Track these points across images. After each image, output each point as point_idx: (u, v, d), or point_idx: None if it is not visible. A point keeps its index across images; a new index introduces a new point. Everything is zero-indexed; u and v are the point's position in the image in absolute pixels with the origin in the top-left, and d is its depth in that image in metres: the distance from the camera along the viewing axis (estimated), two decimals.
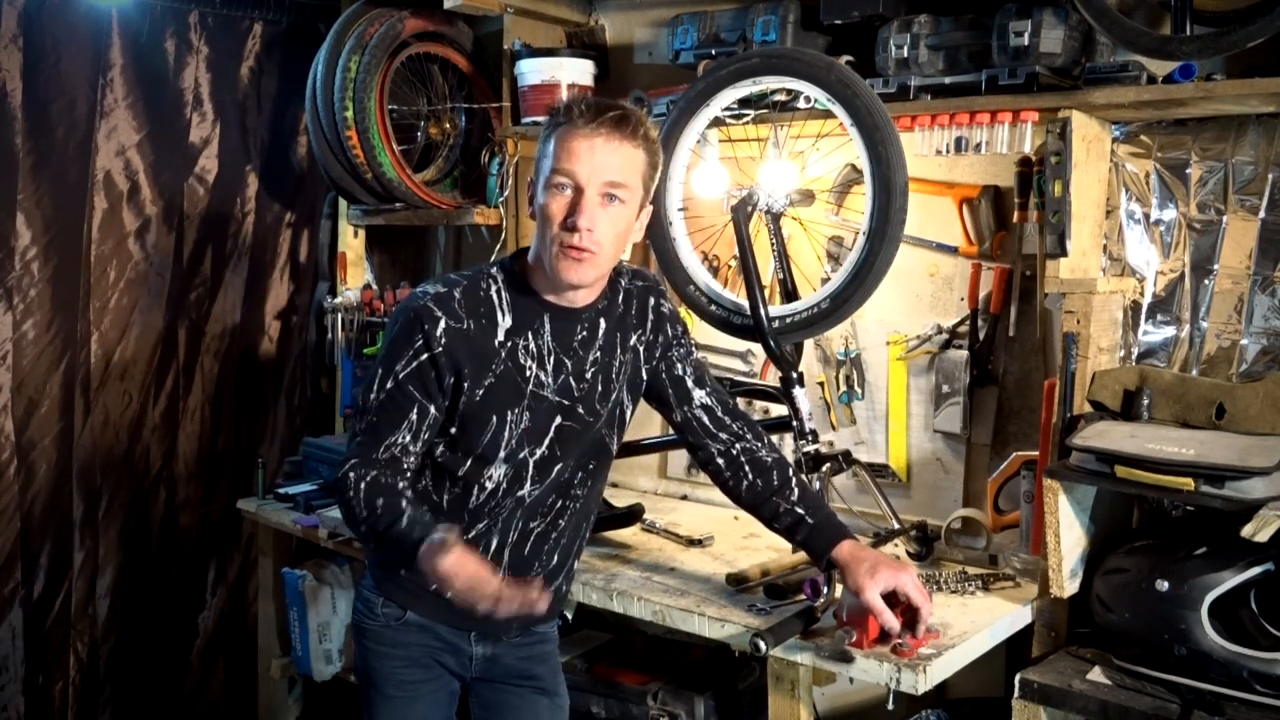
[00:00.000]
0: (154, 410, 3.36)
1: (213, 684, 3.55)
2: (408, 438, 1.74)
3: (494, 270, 1.81)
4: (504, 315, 1.78)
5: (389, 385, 1.73)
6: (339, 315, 3.43)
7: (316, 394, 3.63)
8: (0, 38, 2.93)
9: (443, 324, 1.72)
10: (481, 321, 1.76)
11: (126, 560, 3.33)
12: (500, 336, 1.77)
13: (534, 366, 1.79)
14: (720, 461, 2.00)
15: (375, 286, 3.46)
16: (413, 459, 1.76)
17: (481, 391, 1.75)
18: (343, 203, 3.46)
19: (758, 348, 2.61)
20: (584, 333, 1.84)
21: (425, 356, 1.72)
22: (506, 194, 3.09)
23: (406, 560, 1.65)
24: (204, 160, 3.39)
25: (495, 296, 1.78)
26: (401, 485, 1.73)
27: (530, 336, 1.79)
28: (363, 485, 1.70)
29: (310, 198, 3.61)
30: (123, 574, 3.33)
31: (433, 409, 1.74)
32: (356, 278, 3.55)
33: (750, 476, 1.97)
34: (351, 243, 3.55)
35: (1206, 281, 2.21)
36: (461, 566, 1.60)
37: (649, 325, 1.93)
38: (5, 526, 3.06)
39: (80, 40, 3.09)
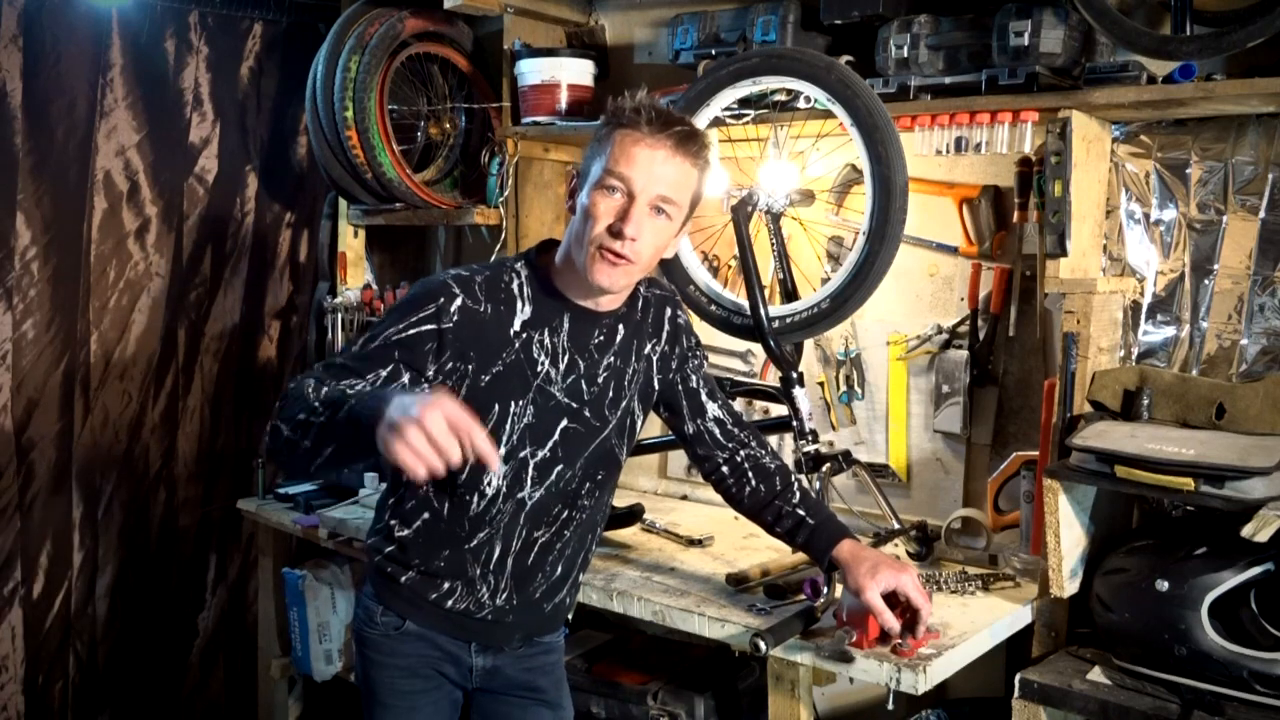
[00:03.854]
0: (153, 410, 3.36)
1: (213, 684, 3.55)
2: (368, 390, 1.60)
3: (518, 265, 1.78)
4: (523, 306, 1.74)
5: (374, 344, 1.67)
6: (339, 315, 3.42)
7: None
8: (0, 38, 2.93)
9: (459, 300, 1.68)
10: (500, 308, 1.72)
11: (126, 560, 3.33)
12: (516, 326, 1.73)
13: (546, 362, 1.76)
14: (725, 469, 2.01)
15: (375, 286, 3.46)
16: None
17: (487, 378, 1.72)
18: (343, 203, 3.46)
19: (758, 348, 2.62)
20: (601, 337, 1.81)
21: (430, 328, 1.67)
22: (506, 194, 3.09)
23: (368, 419, 1.44)
24: (204, 160, 3.39)
25: (517, 289, 1.75)
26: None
27: (547, 333, 1.76)
28: (307, 383, 1.60)
29: (310, 198, 3.61)
30: (122, 574, 3.33)
31: (405, 379, 1.66)
32: (356, 278, 3.55)
33: (754, 482, 1.98)
34: (351, 243, 3.55)
35: (1206, 281, 2.21)
36: (445, 404, 1.40)
37: (664, 336, 1.91)
38: (5, 526, 3.06)
39: (80, 40, 3.09)
